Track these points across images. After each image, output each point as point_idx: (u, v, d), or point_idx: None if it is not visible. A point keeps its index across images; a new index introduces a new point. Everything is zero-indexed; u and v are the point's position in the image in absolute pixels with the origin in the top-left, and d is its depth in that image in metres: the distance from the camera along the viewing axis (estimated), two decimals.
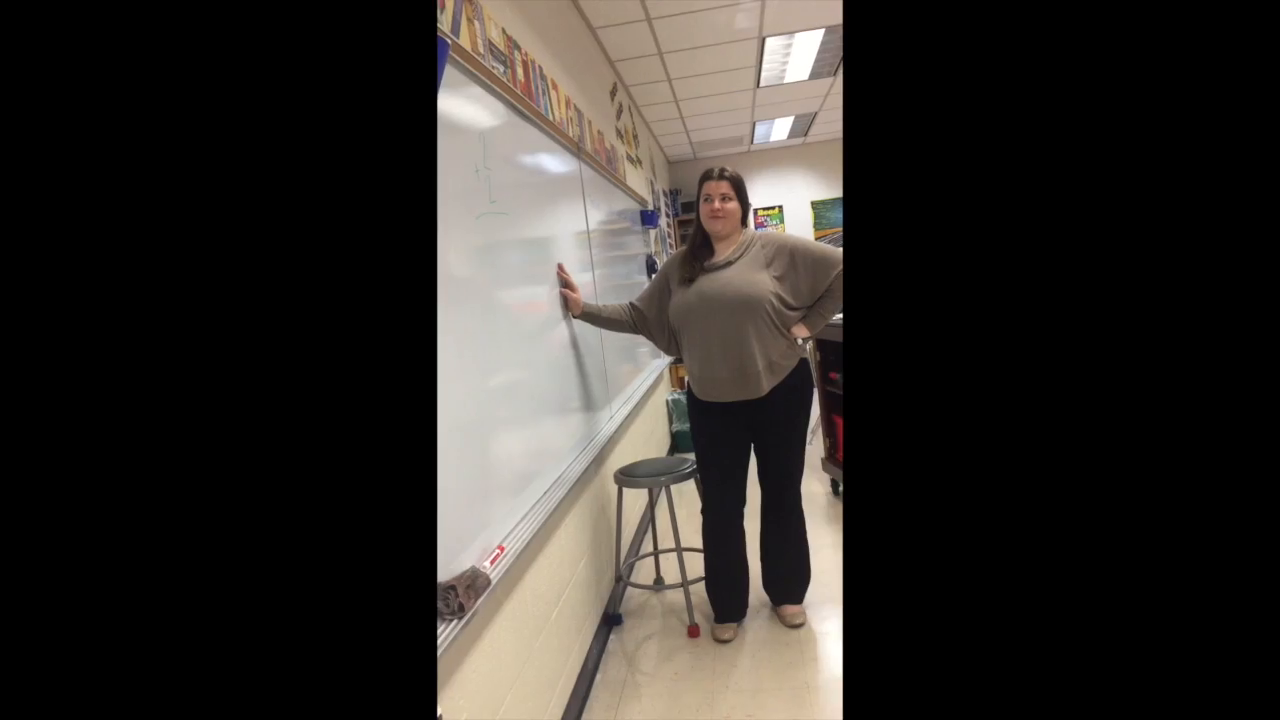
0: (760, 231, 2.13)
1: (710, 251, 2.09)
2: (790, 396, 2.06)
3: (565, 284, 2.09)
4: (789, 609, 2.22)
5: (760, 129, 5.73)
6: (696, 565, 2.27)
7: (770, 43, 3.72)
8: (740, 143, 6.15)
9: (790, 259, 2.04)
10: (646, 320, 2.20)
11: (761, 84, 4.44)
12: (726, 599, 2.21)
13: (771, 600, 2.27)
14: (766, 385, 2.00)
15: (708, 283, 2.03)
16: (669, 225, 6.00)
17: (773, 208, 6.63)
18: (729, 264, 2.04)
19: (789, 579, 2.23)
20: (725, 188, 2.06)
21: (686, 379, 2.16)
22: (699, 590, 2.30)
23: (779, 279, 2.00)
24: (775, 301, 1.98)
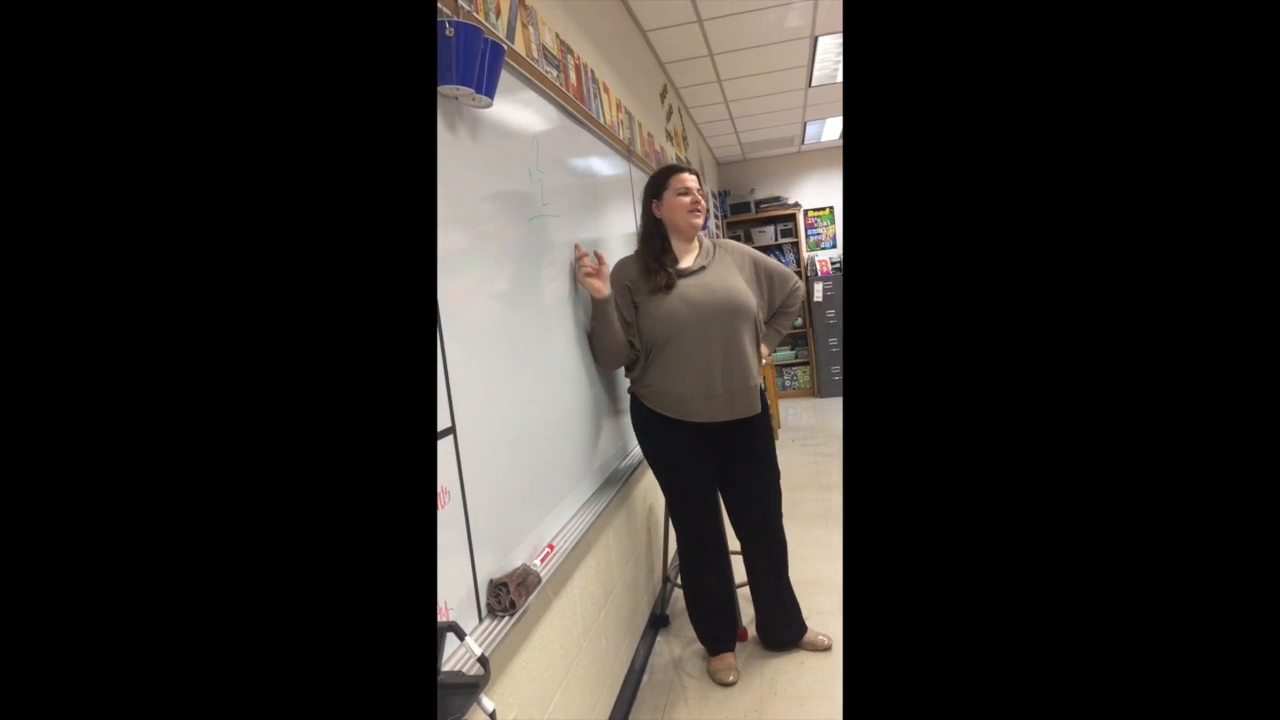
0: (716, 239, 1.98)
1: (673, 256, 1.89)
2: (764, 417, 1.95)
3: (590, 264, 1.77)
4: (810, 635, 2.12)
5: (811, 129, 5.66)
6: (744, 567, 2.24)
7: (823, 42, 3.67)
8: (791, 143, 6.09)
9: (754, 268, 1.95)
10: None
11: (813, 84, 4.39)
12: (724, 626, 2.06)
13: (788, 643, 2.12)
14: (758, 402, 1.88)
15: (693, 289, 1.83)
16: (718, 227, 5.98)
17: (823, 209, 6.54)
18: (703, 269, 1.88)
19: (795, 619, 2.12)
20: (699, 182, 1.91)
21: (640, 396, 1.91)
22: (748, 593, 2.28)
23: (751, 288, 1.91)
24: (758, 312, 1.89)
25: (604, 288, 1.76)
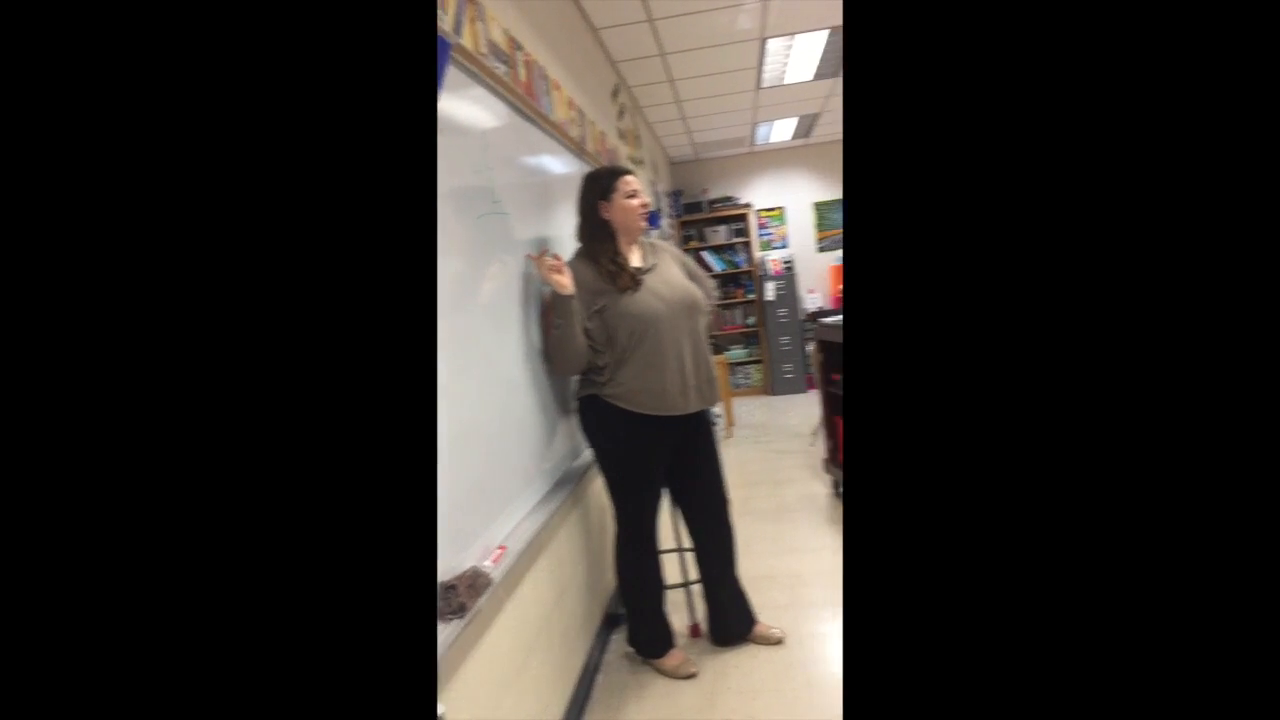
0: (647, 239, 2.03)
1: (624, 256, 1.90)
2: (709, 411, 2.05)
3: (553, 261, 1.80)
4: (762, 628, 2.14)
5: (761, 130, 5.73)
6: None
7: (771, 44, 3.72)
8: (742, 143, 6.15)
9: (685, 268, 2.03)
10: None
11: (763, 85, 4.44)
12: (665, 624, 2.08)
13: (738, 636, 2.13)
14: (719, 391, 2.00)
15: (658, 285, 1.88)
16: (670, 226, 6.01)
17: (775, 209, 6.62)
18: (654, 267, 1.93)
19: (745, 612, 2.14)
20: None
21: (605, 397, 1.85)
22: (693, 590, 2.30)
23: None
24: None
25: (570, 284, 1.77)
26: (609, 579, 2.39)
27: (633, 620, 2.09)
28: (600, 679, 2.06)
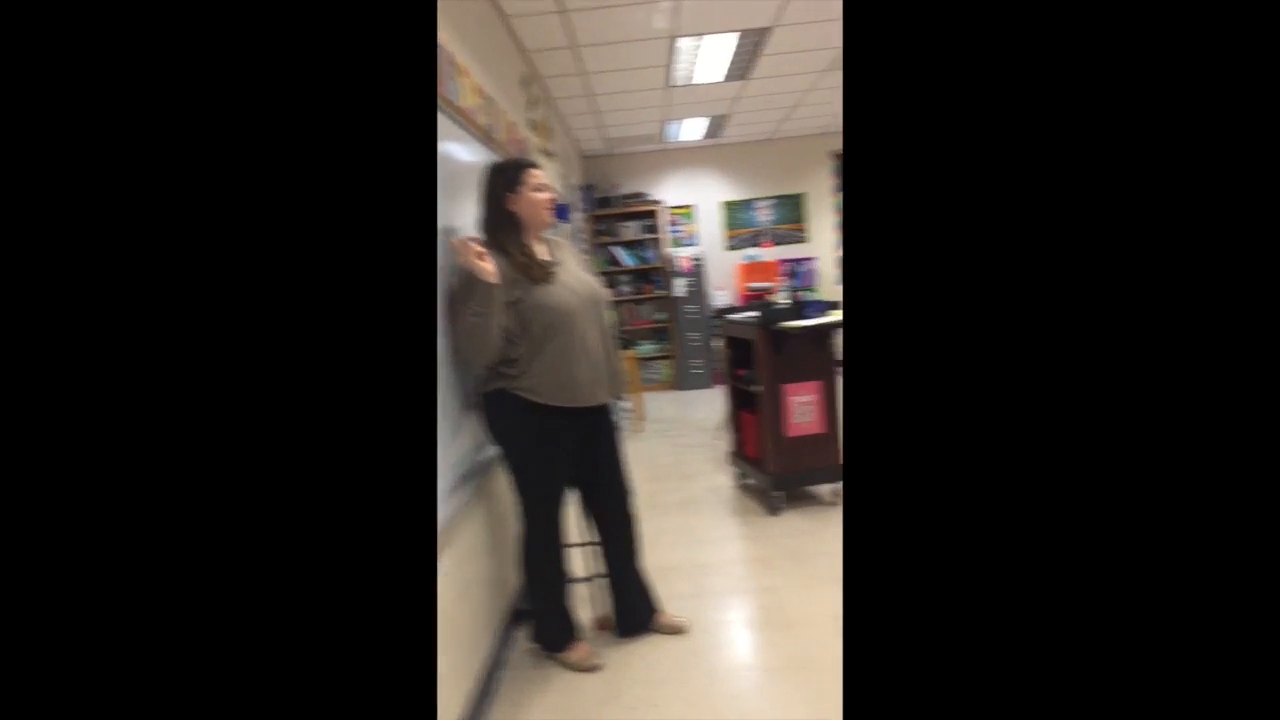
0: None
1: (532, 249, 1.89)
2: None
3: (478, 254, 1.75)
4: (665, 617, 2.18)
5: (672, 128, 5.79)
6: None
7: (681, 43, 3.76)
8: (653, 140, 6.19)
9: (580, 264, 2.08)
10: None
11: (673, 83, 4.49)
12: (570, 616, 2.08)
13: (641, 625, 2.16)
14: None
15: (568, 278, 1.90)
16: (582, 220, 5.98)
17: (684, 207, 6.71)
18: (561, 261, 1.94)
19: (648, 602, 2.17)
20: None
21: (516, 390, 1.84)
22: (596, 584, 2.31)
23: None
24: None
25: (495, 272, 1.74)
26: (515, 575, 2.36)
27: (538, 615, 2.07)
28: (505, 675, 2.03)
